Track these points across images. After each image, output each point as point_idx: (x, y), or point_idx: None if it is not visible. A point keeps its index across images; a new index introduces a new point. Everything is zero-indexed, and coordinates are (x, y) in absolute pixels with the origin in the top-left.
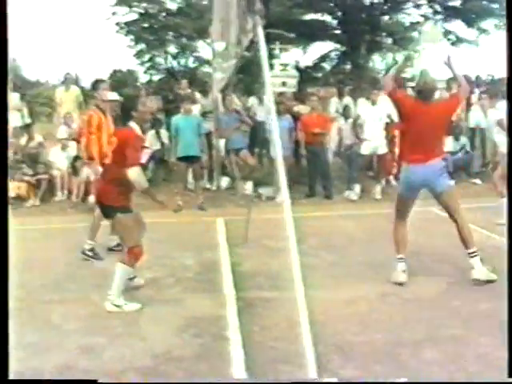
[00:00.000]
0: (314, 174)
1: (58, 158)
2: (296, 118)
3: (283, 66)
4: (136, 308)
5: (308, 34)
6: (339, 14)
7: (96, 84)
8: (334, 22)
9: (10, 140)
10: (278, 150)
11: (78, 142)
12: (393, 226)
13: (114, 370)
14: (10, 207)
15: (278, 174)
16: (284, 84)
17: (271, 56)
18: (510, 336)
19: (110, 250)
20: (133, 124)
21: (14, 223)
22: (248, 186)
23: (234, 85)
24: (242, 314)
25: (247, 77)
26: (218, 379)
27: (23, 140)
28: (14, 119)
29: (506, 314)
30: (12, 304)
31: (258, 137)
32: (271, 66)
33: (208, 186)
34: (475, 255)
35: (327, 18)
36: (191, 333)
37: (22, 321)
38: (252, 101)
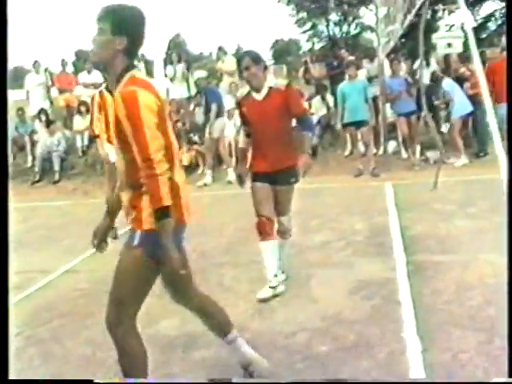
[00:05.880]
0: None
1: (226, 127)
2: (461, 79)
3: (448, 27)
4: None
5: None
6: None
7: None
8: None
9: (182, 111)
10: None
11: None
12: None
13: (286, 331)
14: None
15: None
16: (449, 45)
17: (435, 18)
18: (510, 336)
19: None
20: None
21: (188, 190)
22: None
23: (399, 49)
24: (413, 277)
25: (410, 41)
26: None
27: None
28: (181, 91)
29: (506, 314)
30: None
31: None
32: (436, 28)
33: (374, 150)
34: None
35: None
36: (362, 295)
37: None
38: (418, 63)
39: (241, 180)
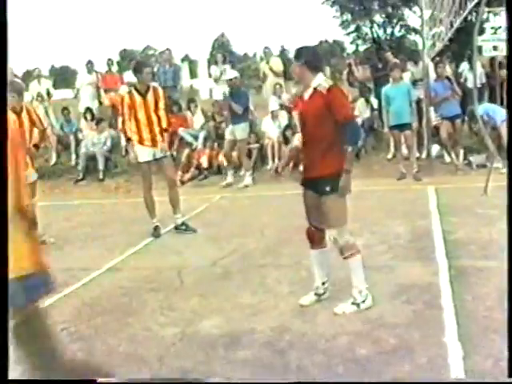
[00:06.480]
0: None
1: (270, 128)
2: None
3: (494, 30)
4: None
5: None
6: None
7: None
8: None
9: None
10: None
11: (289, 111)
12: None
13: (327, 333)
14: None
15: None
16: (495, 48)
17: (481, 20)
18: (510, 336)
19: None
20: None
21: (227, 192)
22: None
23: (444, 52)
24: (455, 282)
25: (455, 43)
26: (219, 379)
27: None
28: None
29: (506, 314)
30: (228, 268)
31: (468, 103)
32: (482, 31)
33: (417, 154)
34: None
35: None
36: (403, 300)
37: (239, 283)
38: (463, 67)
39: (276, 172)
